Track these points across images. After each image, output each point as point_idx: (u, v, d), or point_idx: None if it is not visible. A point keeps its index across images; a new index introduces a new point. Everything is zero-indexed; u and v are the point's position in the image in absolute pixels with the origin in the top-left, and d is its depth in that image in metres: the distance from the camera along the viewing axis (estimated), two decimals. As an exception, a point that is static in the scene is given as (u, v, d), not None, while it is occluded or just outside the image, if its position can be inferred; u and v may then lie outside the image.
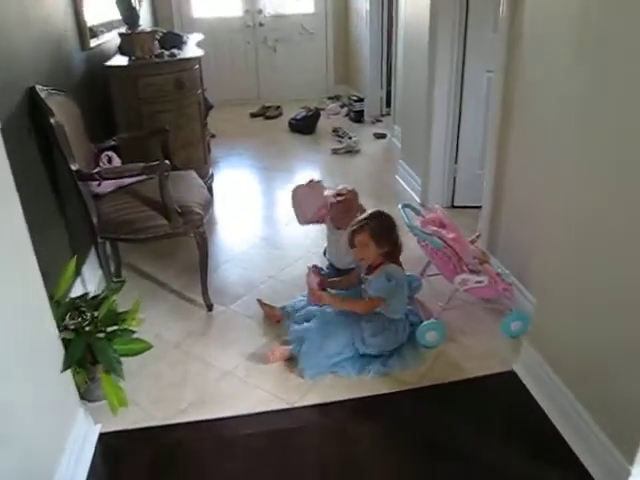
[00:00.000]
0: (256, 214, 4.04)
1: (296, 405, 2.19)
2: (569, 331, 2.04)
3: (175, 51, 3.48)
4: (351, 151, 5.25)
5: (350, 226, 2.44)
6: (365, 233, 2.37)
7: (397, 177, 4.54)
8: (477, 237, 2.69)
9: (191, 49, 3.77)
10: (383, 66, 6.12)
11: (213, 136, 5.21)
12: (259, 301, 2.75)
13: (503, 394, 2.29)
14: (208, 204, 2.78)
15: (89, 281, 2.83)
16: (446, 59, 3.54)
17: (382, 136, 5.70)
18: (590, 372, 1.92)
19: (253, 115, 6.43)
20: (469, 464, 1.95)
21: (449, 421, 2.13)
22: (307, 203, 2.91)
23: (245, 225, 3.81)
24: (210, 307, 2.78)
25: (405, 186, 4.35)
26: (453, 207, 3.98)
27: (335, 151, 5.23)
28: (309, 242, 3.45)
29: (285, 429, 2.09)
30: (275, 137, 5.82)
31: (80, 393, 2.02)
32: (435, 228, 2.47)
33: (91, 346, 1.97)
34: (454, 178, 3.89)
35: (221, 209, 4.05)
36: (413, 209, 2.60)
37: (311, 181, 2.93)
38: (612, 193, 1.73)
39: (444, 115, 3.68)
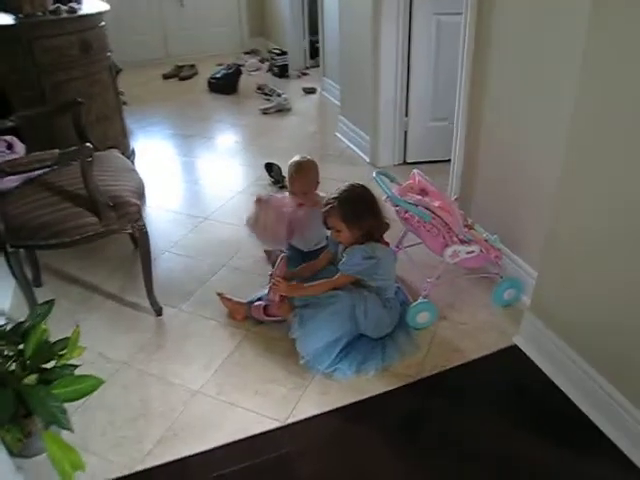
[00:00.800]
0: (188, 191, 3.54)
1: (288, 422, 1.85)
2: (579, 295, 1.86)
3: (74, 5, 2.85)
4: (282, 110, 4.80)
5: (322, 206, 2.09)
6: (335, 217, 2.03)
7: (338, 135, 4.18)
8: (455, 200, 2.41)
9: (92, 2, 3.13)
10: (305, 14, 5.63)
11: (124, 104, 4.56)
12: (220, 295, 2.35)
13: (510, 372, 2.07)
14: (142, 190, 2.30)
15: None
16: (392, 3, 3.15)
17: (312, 91, 5.28)
18: (606, 335, 1.76)
19: (166, 76, 5.76)
20: (492, 460, 1.72)
21: (460, 413, 1.89)
22: (272, 227, 2.42)
23: (178, 205, 3.32)
24: (159, 311, 2.34)
25: (349, 144, 4.00)
26: (405, 163, 3.70)
27: (265, 111, 4.77)
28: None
29: (281, 456, 1.75)
30: (194, 99, 5.23)
31: (14, 453, 1.58)
32: (417, 197, 2.15)
33: (22, 395, 1.52)
34: (405, 132, 3.59)
35: (147, 189, 3.50)
36: (388, 176, 2.26)
37: (259, 200, 2.44)
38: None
39: (392, 64, 3.33)
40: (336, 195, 2.06)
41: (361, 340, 2.10)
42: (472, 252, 2.16)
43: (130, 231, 2.13)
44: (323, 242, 2.55)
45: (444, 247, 2.12)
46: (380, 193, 2.18)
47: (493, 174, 2.51)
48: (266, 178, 3.54)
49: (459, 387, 2.01)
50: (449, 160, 3.59)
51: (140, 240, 2.16)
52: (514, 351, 2.15)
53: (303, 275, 2.26)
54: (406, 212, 2.12)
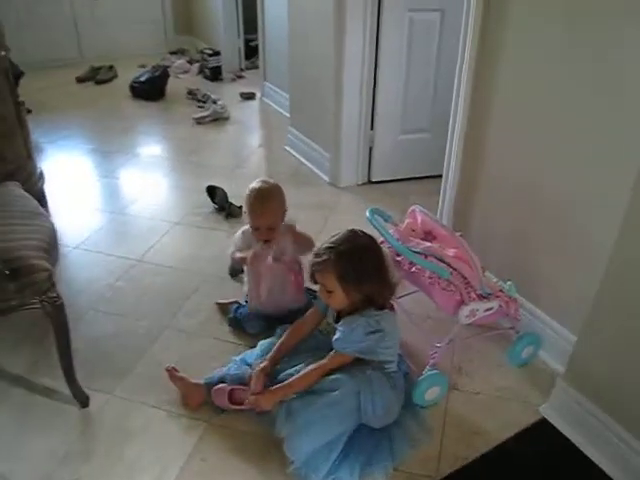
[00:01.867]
0: (113, 223, 2.87)
1: None
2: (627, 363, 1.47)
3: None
4: (219, 119, 4.23)
5: (311, 258, 1.59)
6: (329, 274, 1.54)
7: (288, 149, 3.66)
8: (461, 236, 1.97)
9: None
10: (239, 9, 5.06)
11: (29, 111, 3.81)
12: (169, 372, 1.79)
13: (546, 456, 1.66)
14: (54, 241, 1.70)
15: None
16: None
17: (251, 96, 4.73)
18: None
19: (80, 80, 4.99)
20: None
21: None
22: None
23: (102, 243, 2.66)
24: (85, 401, 1.74)
25: (303, 160, 3.50)
26: (370, 183, 3.25)
27: (199, 120, 4.17)
28: (203, 263, 2.48)
29: None
30: (115, 107, 4.53)
31: None
32: (425, 243, 1.69)
33: None
34: (370, 148, 3.13)
35: (61, 222, 2.83)
36: (381, 214, 1.79)
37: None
38: None
39: (357, 67, 2.86)
40: (332, 244, 1.56)
41: (361, 432, 1.61)
42: (491, 309, 1.73)
43: (38, 306, 1.51)
44: (302, 301, 2.05)
45: (459, 305, 1.67)
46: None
47: (498, 202, 2.09)
48: (208, 204, 2.97)
49: (490, 487, 1.57)
50: (425, 178, 3.23)
51: (54, 316, 1.55)
52: (544, 428, 1.74)
53: (287, 348, 1.74)
54: (412, 264, 1.65)
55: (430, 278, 1.60)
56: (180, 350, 1.99)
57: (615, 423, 1.57)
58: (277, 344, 1.73)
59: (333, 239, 1.60)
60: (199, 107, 4.41)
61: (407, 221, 1.79)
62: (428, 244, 1.66)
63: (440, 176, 3.21)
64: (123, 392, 1.81)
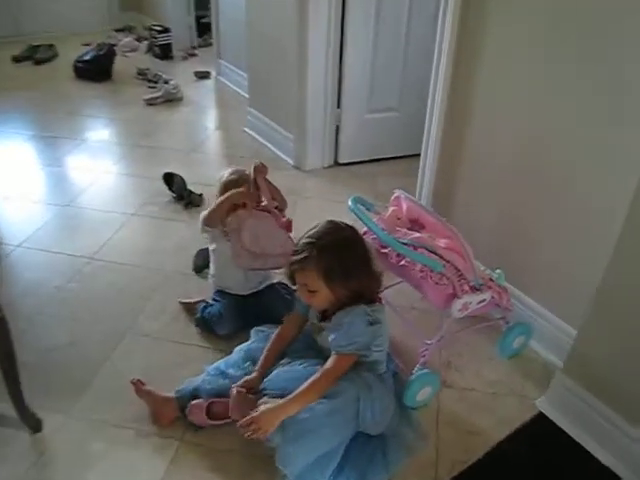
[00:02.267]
0: (62, 217, 2.59)
1: None
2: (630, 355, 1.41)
3: None
4: (172, 99, 3.95)
5: (292, 258, 1.41)
6: (311, 271, 1.38)
7: (248, 131, 3.45)
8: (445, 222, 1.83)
9: None
10: (188, -17, 4.75)
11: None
12: (135, 385, 1.60)
13: (547, 456, 1.56)
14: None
15: None
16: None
17: (205, 75, 4.46)
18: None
19: (17, 59, 4.55)
20: None
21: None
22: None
23: (50, 240, 2.40)
24: (36, 425, 1.53)
25: (264, 142, 3.30)
26: (337, 165, 3.09)
27: (150, 102, 3.88)
28: (163, 259, 2.28)
29: None
30: (58, 88, 4.16)
31: None
32: (415, 234, 1.54)
33: None
34: (337, 127, 2.96)
35: (2, 225, 2.55)
36: (363, 203, 1.62)
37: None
38: None
39: (322, 41, 2.68)
40: (312, 239, 1.40)
41: (355, 442, 1.46)
42: (483, 301, 1.61)
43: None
44: (271, 278, 1.89)
45: (451, 299, 1.54)
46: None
47: (484, 183, 1.96)
48: (165, 193, 2.74)
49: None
50: (393, 159, 3.08)
51: (-4, 334, 1.33)
52: (542, 423, 1.65)
53: (274, 358, 1.57)
54: (399, 256, 1.50)
55: (421, 272, 1.46)
56: (144, 358, 1.80)
57: (617, 416, 1.49)
58: (263, 356, 1.56)
59: (312, 232, 1.43)
60: (150, 87, 4.11)
61: (391, 209, 1.64)
62: (417, 234, 1.52)
63: (410, 156, 3.11)
64: (81, 411, 1.61)
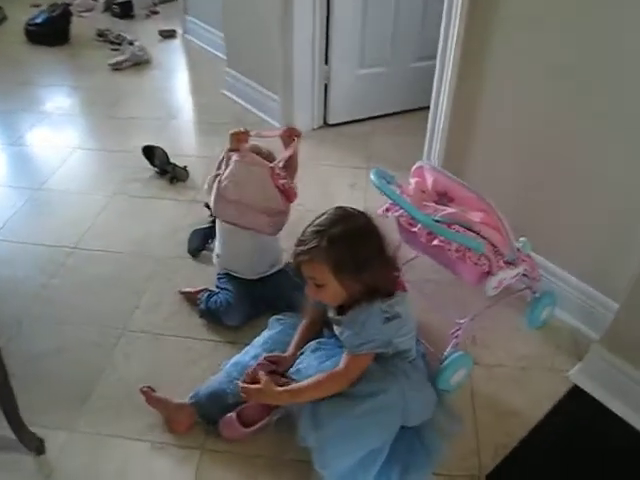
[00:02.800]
0: (33, 205, 2.34)
1: None
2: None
3: None
4: (139, 63, 3.65)
5: (295, 245, 1.26)
6: (319, 264, 1.23)
7: (227, 93, 3.20)
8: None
9: None
10: None
11: None
12: (145, 394, 1.46)
13: (589, 431, 1.49)
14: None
15: None
16: None
17: (171, 34, 4.13)
18: None
19: (-41, 25, 4.17)
20: None
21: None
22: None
23: (23, 231, 2.17)
24: (39, 447, 1.38)
25: (246, 105, 3.07)
26: (327, 126, 2.90)
27: (116, 66, 3.58)
28: (154, 243, 2.10)
29: None
30: (9, 55, 3.79)
31: None
32: (447, 209, 1.38)
33: None
34: (325, 85, 2.75)
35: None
36: (384, 175, 1.45)
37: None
38: None
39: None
40: (320, 227, 1.24)
41: (389, 436, 1.36)
42: (517, 275, 1.49)
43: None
44: (281, 262, 1.76)
45: (485, 276, 1.42)
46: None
47: (505, 141, 1.79)
48: (146, 168, 2.52)
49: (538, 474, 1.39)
50: (387, 116, 2.89)
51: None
52: (580, 397, 1.56)
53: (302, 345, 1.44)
54: (430, 235, 1.35)
55: (458, 252, 1.31)
56: (147, 358, 1.65)
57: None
58: (297, 337, 1.44)
59: (320, 220, 1.27)
60: (113, 50, 3.79)
61: (414, 181, 1.48)
62: (449, 209, 1.36)
63: (404, 112, 2.93)
64: (86, 425, 1.46)
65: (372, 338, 1.27)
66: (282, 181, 1.63)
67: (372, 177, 1.39)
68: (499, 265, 1.40)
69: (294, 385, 1.30)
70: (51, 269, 1.96)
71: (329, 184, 2.44)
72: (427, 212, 1.36)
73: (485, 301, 1.57)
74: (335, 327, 1.39)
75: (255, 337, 1.56)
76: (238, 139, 1.63)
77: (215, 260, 1.81)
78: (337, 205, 1.32)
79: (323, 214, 1.29)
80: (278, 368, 1.38)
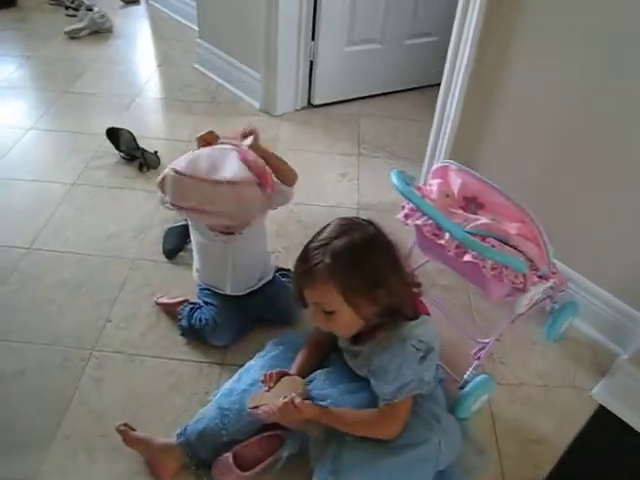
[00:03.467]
0: None
1: None
2: None
3: None
4: (99, 31, 3.31)
5: (294, 266, 1.05)
6: (324, 284, 1.02)
7: (199, 67, 2.92)
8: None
9: None
10: None
11: None
12: (122, 433, 1.24)
13: (621, 458, 1.35)
14: None
15: None
16: None
17: (133, 0, 3.77)
18: None
19: None
20: None
21: None
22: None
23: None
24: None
25: (221, 81, 2.80)
26: (311, 106, 2.66)
27: (73, 35, 3.23)
28: (124, 241, 1.85)
29: None
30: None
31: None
32: (481, 219, 1.19)
33: None
34: (311, 62, 2.51)
35: None
36: (404, 178, 1.24)
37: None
38: None
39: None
40: (322, 242, 1.04)
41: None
42: (547, 289, 1.32)
43: None
44: (270, 273, 1.53)
45: (514, 292, 1.24)
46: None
47: (526, 131, 1.60)
48: (111, 153, 2.25)
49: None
50: (376, 96, 2.66)
51: None
52: (607, 419, 1.42)
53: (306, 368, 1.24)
54: (458, 247, 1.16)
55: (494, 269, 1.12)
56: (121, 384, 1.41)
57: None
58: (297, 366, 1.23)
59: (324, 235, 1.06)
60: (69, 16, 3.43)
61: (436, 182, 1.28)
62: (483, 219, 1.17)
63: (395, 92, 2.72)
64: (53, 472, 1.23)
65: (407, 380, 1.08)
66: (252, 160, 1.36)
67: (394, 181, 1.18)
68: (533, 281, 1.23)
69: (333, 408, 1.11)
70: (1, 275, 1.69)
71: (317, 174, 2.20)
72: (456, 221, 1.16)
73: (508, 316, 1.40)
74: (348, 358, 1.19)
75: (246, 357, 1.36)
76: (207, 142, 1.37)
77: (195, 275, 1.57)
78: (340, 217, 1.12)
79: (325, 227, 1.08)
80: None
